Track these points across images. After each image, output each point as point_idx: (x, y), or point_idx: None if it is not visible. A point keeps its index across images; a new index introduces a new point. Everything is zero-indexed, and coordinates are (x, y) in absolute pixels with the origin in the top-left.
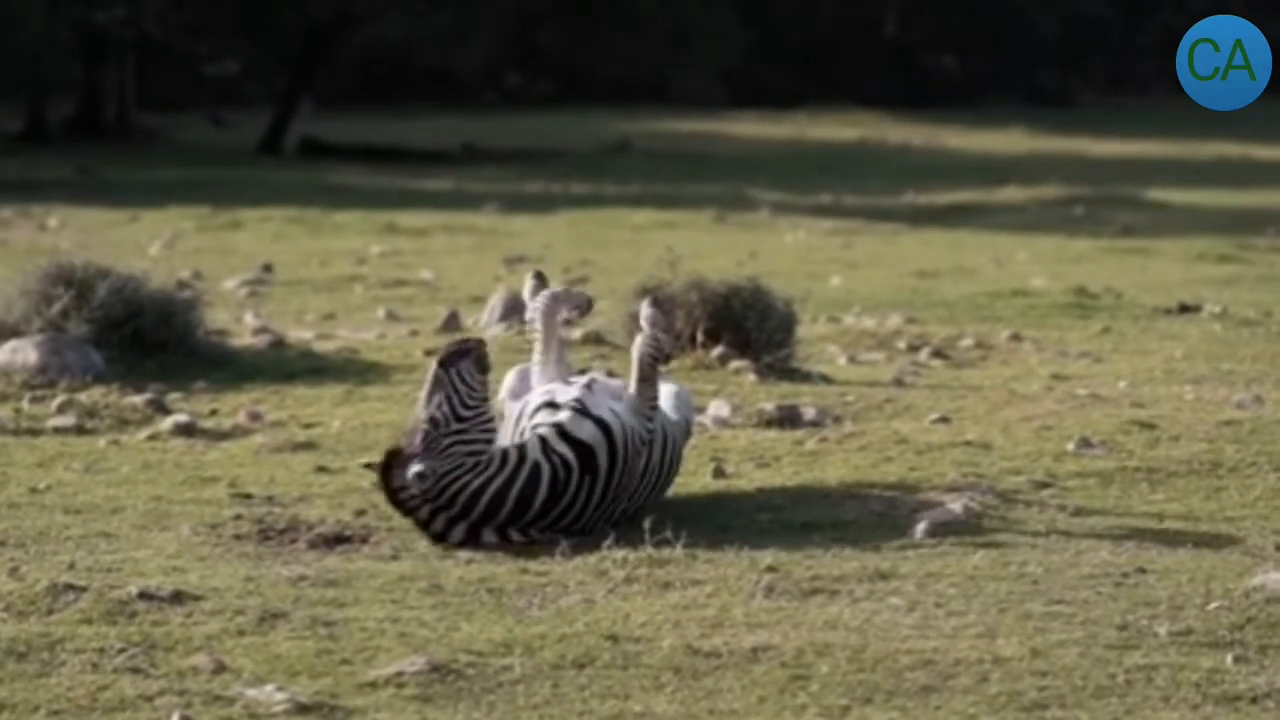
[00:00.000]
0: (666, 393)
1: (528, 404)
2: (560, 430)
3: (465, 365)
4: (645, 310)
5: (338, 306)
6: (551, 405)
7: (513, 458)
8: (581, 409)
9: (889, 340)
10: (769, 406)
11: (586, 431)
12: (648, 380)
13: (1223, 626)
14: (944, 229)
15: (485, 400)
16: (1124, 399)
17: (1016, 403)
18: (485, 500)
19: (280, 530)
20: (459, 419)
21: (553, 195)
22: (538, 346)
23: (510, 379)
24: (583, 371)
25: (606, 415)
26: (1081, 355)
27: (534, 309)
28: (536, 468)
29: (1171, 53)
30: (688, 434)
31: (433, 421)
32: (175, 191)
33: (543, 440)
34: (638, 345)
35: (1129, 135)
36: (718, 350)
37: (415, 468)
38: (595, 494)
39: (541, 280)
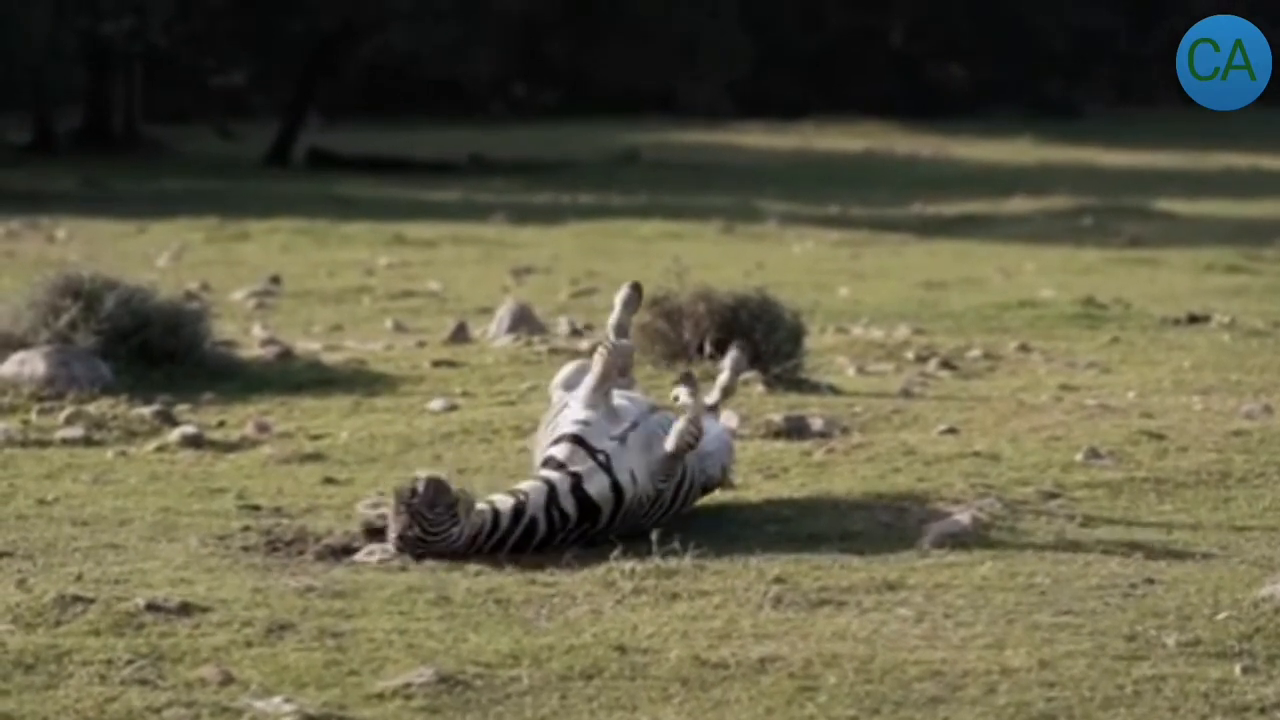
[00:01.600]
0: (714, 434)
1: (563, 414)
2: (575, 483)
3: (417, 504)
4: (733, 353)
5: (345, 318)
6: (580, 442)
7: (505, 521)
8: (605, 465)
9: (897, 351)
10: (777, 417)
11: (598, 488)
12: (678, 458)
13: (1231, 637)
14: (951, 240)
15: (451, 522)
16: (1132, 409)
17: (1024, 413)
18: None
19: (288, 541)
20: (424, 541)
21: (560, 206)
22: (591, 380)
23: (568, 370)
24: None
25: (625, 479)
26: (1090, 366)
27: (603, 352)
28: (533, 525)
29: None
30: (719, 481)
31: (402, 539)
32: (183, 203)
33: (551, 491)
34: (677, 430)
35: (1136, 146)
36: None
37: (391, 547)
38: (589, 533)
39: (638, 291)
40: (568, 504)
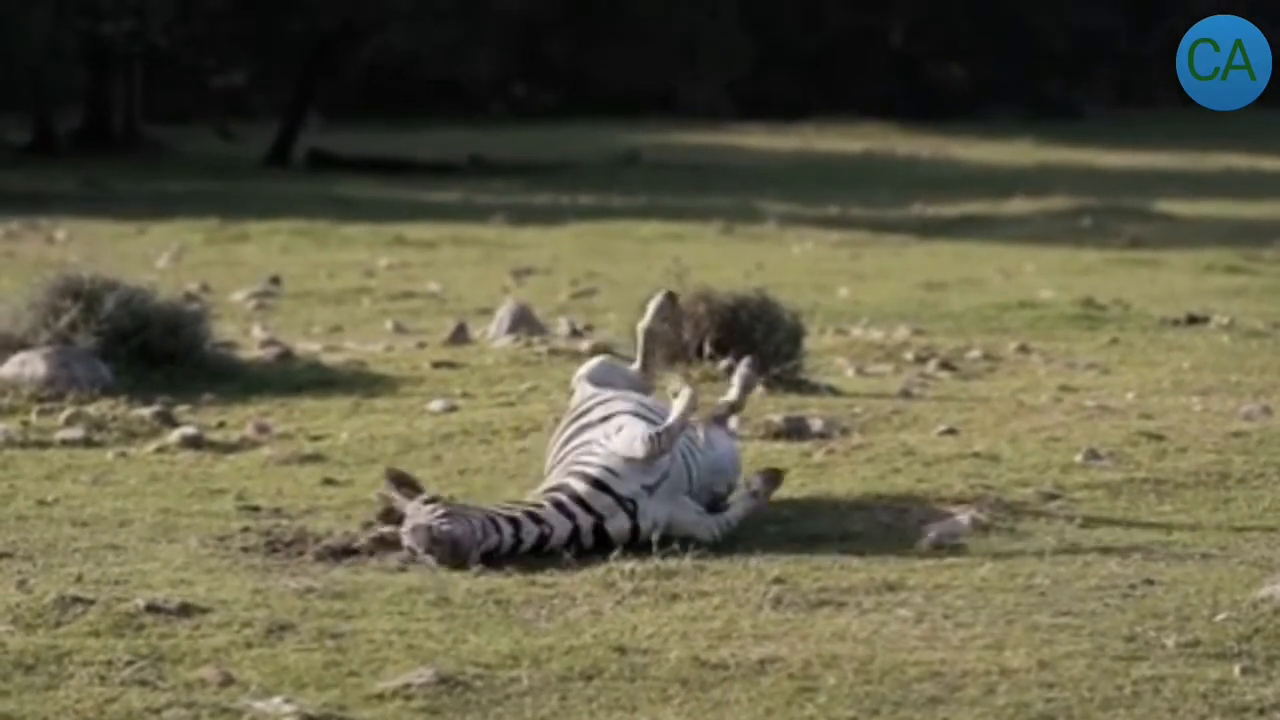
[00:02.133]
0: (724, 449)
1: (592, 418)
2: (597, 524)
3: (437, 551)
4: (742, 369)
5: (345, 319)
6: (603, 488)
7: (526, 548)
8: (631, 512)
9: (896, 352)
10: (776, 418)
11: (618, 528)
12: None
13: (1230, 638)
14: (951, 240)
15: (460, 561)
16: (1132, 410)
17: (1024, 414)
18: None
19: (288, 542)
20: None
21: (560, 207)
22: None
23: (595, 364)
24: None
25: (645, 525)
26: (1089, 366)
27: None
28: (548, 552)
29: None
30: (724, 497)
31: (411, 551)
32: (183, 203)
33: (575, 531)
34: (648, 434)
35: (1136, 146)
36: (725, 362)
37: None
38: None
39: (672, 299)
40: (587, 540)
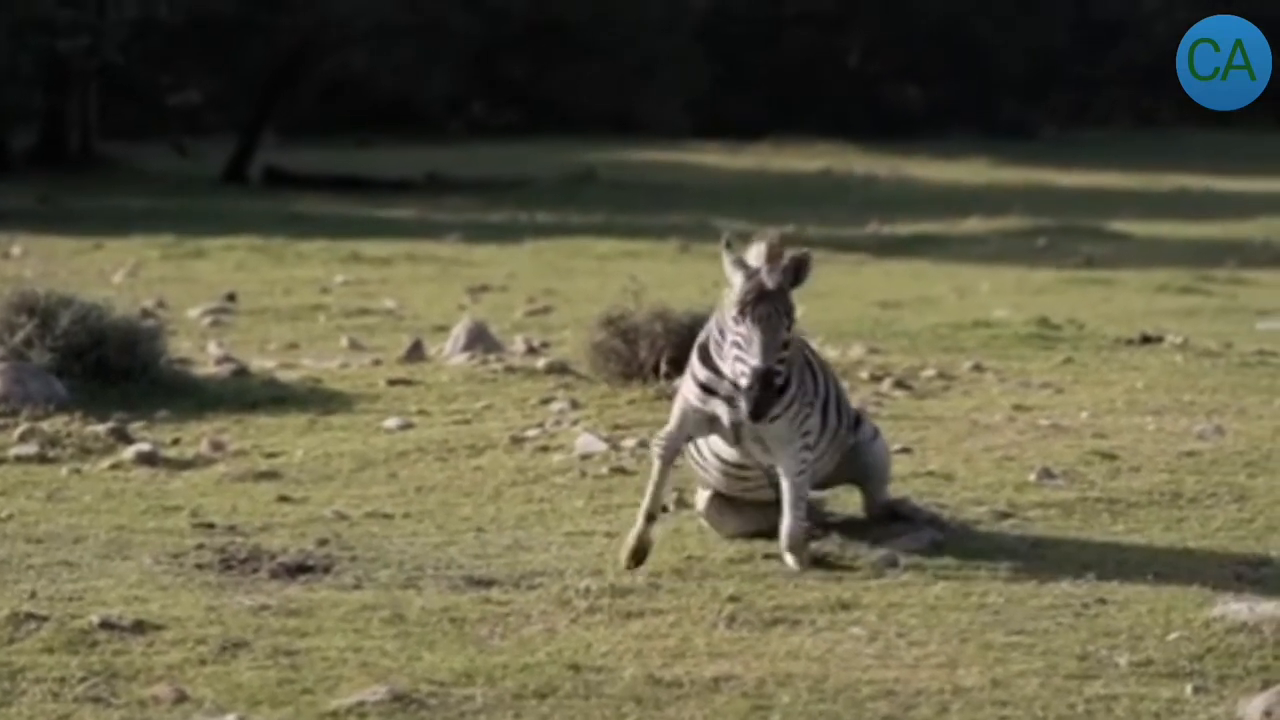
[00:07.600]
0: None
1: None
2: None
3: None
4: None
5: (301, 335)
6: None
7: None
8: None
9: (851, 370)
10: None
11: None
12: None
13: (1183, 657)
14: (907, 259)
15: None
16: (1085, 430)
17: (978, 433)
18: None
19: (242, 560)
20: None
21: (517, 225)
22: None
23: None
24: None
25: None
26: (1043, 386)
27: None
28: None
29: (1134, 85)
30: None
31: None
32: (139, 220)
33: None
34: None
35: (1091, 167)
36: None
37: None
38: None
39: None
40: None
